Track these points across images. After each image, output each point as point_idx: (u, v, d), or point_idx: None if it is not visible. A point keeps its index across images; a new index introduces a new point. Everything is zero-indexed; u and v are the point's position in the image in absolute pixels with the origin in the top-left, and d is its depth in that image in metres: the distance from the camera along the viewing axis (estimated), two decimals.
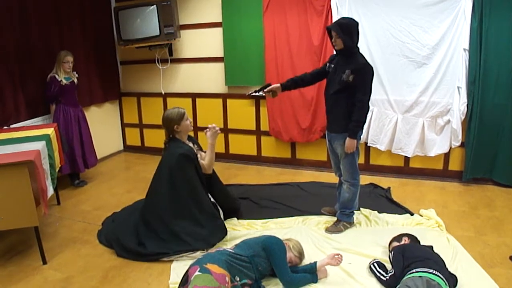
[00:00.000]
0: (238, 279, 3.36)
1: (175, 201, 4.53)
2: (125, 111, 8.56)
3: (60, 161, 5.57)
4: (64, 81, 6.13)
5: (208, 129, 4.81)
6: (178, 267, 4.05)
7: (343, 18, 4.59)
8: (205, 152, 4.99)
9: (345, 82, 4.31)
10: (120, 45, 7.65)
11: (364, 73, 4.31)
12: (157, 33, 7.11)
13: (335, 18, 6.20)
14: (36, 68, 6.24)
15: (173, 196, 4.54)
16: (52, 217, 5.41)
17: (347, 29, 4.29)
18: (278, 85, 4.82)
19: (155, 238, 4.45)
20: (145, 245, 4.40)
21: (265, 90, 4.84)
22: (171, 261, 4.23)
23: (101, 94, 7.85)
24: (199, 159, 4.77)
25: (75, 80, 6.35)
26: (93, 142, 6.85)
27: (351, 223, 4.85)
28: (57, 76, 6.09)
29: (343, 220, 4.81)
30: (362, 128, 4.56)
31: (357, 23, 4.38)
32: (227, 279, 3.20)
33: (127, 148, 8.74)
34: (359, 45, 4.45)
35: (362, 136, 5.31)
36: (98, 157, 7.20)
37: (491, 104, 5.86)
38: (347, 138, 4.42)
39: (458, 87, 5.94)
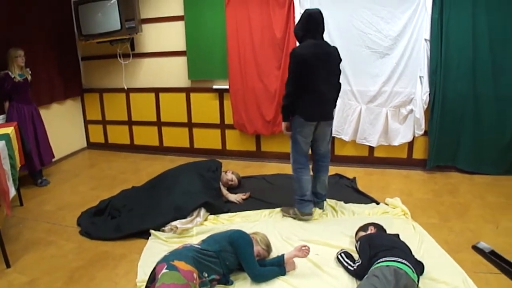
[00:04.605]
0: (206, 275, 3.34)
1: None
2: (88, 107, 8.43)
3: (20, 160, 5.46)
4: (18, 78, 6.00)
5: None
6: (145, 265, 3.98)
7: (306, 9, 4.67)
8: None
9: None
10: (81, 40, 7.51)
11: (290, 60, 4.45)
12: (118, 27, 7.00)
13: (297, 9, 6.22)
14: None
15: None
16: (15, 219, 5.27)
17: (299, 20, 4.60)
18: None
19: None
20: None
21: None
22: (138, 259, 4.18)
23: (62, 91, 7.70)
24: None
25: (29, 77, 6.21)
26: (50, 140, 6.70)
27: (302, 213, 4.82)
28: (10, 73, 5.96)
29: (294, 206, 4.87)
30: (286, 114, 4.68)
31: (308, 13, 4.47)
32: (195, 275, 3.18)
33: (91, 145, 8.62)
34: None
35: None
36: (61, 155, 7.12)
37: (453, 93, 5.95)
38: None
39: (420, 77, 6.01)
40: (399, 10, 5.92)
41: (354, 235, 4.18)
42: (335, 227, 4.60)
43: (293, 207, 4.89)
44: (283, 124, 4.80)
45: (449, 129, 6.10)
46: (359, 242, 3.82)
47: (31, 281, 3.92)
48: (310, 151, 4.90)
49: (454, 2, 5.70)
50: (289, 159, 5.07)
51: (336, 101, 4.82)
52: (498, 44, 5.71)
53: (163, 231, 4.65)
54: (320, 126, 4.65)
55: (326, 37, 5.63)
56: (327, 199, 5.17)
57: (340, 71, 4.69)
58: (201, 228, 4.70)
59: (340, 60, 4.64)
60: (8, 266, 4.16)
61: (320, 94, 4.50)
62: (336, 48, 4.62)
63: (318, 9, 4.53)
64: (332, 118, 4.77)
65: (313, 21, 4.44)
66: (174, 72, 7.49)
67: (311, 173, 4.90)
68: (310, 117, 4.56)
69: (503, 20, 5.61)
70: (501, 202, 5.25)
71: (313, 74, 4.43)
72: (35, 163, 6.28)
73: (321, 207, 5.03)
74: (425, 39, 5.90)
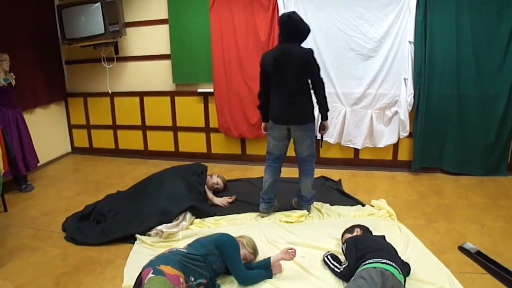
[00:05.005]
0: (192, 279, 3.32)
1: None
2: (72, 112, 8.37)
3: (3, 166, 5.40)
4: (2, 82, 5.93)
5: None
6: (131, 270, 3.95)
7: None
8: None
9: None
10: (65, 44, 7.44)
11: None
12: (102, 31, 6.95)
13: (281, 12, 6.20)
14: None
15: None
16: None
17: None
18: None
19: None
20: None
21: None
22: (124, 264, 4.16)
23: (46, 96, 7.64)
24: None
25: (13, 82, 6.13)
26: (34, 144, 6.64)
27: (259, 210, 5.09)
28: None
29: None
30: (261, 114, 4.95)
31: (278, 17, 4.68)
32: (181, 280, 3.16)
33: (75, 150, 8.55)
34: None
35: None
36: (45, 160, 7.05)
37: (437, 95, 5.99)
38: None
39: (404, 79, 6.04)
40: (383, 12, 5.95)
41: (340, 237, 4.18)
42: (321, 230, 4.60)
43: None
44: (262, 124, 4.99)
45: (434, 130, 6.14)
46: (345, 244, 3.82)
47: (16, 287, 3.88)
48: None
49: (438, 4, 5.73)
50: None
51: (322, 104, 4.66)
52: (481, 46, 5.75)
53: (149, 235, 4.63)
54: (292, 130, 4.70)
55: (310, 40, 5.65)
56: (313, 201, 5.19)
57: (314, 75, 4.54)
58: (187, 232, 4.68)
59: (311, 63, 4.50)
60: None
61: (282, 98, 4.59)
62: (308, 52, 4.49)
63: (289, 12, 4.55)
64: (304, 123, 4.65)
65: (281, 25, 4.48)
66: (159, 76, 7.45)
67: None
68: (275, 120, 4.71)
69: (486, 22, 5.65)
70: (486, 202, 5.29)
71: (273, 78, 4.57)
72: (20, 168, 6.22)
73: (308, 210, 5.05)
74: (409, 41, 5.93)
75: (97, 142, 8.36)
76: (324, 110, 4.69)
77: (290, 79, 4.48)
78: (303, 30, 4.51)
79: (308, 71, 4.51)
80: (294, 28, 4.45)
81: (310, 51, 4.48)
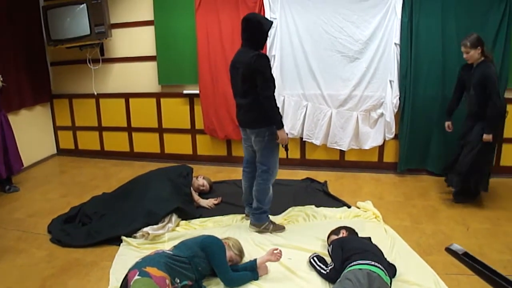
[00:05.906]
0: (178, 281, 3.31)
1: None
2: (57, 113, 8.31)
3: None
4: None
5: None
6: (117, 272, 3.93)
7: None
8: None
9: None
10: (50, 46, 7.39)
11: None
12: (88, 32, 6.92)
13: (267, 14, 6.23)
14: None
15: None
16: None
17: None
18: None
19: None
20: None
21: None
22: (110, 266, 4.13)
23: (31, 97, 7.58)
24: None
25: (0, 84, 6.07)
26: (19, 147, 6.53)
27: None
28: None
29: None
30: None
31: None
32: (167, 281, 3.15)
33: (61, 152, 8.49)
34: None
35: (298, 131, 5.50)
36: (31, 162, 6.98)
37: (423, 97, 6.03)
38: None
39: (390, 81, 6.06)
40: (369, 14, 5.97)
41: (326, 238, 4.18)
42: (307, 231, 4.61)
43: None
44: None
45: (419, 132, 6.17)
46: (331, 246, 3.82)
47: None
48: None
49: (424, 6, 5.78)
50: None
51: (265, 112, 4.37)
52: None
53: (135, 237, 4.60)
54: (248, 133, 4.64)
55: (296, 41, 5.66)
56: (299, 205, 5.23)
57: (255, 81, 4.30)
58: (173, 234, 4.67)
59: (253, 69, 4.26)
60: None
61: (236, 101, 4.64)
62: (252, 57, 4.27)
63: (249, 14, 4.50)
64: (254, 127, 4.49)
65: (241, 28, 4.47)
66: (144, 77, 7.43)
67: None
68: (237, 122, 4.76)
69: (472, 24, 5.67)
70: (471, 204, 5.30)
71: (231, 81, 4.64)
72: (0, 171, 6.14)
73: (251, 222, 4.77)
74: (395, 43, 5.96)
75: (83, 144, 8.31)
76: (272, 118, 4.38)
77: (240, 83, 4.44)
78: (258, 33, 4.42)
79: (250, 76, 4.31)
80: (248, 31, 4.43)
81: (255, 57, 4.26)
